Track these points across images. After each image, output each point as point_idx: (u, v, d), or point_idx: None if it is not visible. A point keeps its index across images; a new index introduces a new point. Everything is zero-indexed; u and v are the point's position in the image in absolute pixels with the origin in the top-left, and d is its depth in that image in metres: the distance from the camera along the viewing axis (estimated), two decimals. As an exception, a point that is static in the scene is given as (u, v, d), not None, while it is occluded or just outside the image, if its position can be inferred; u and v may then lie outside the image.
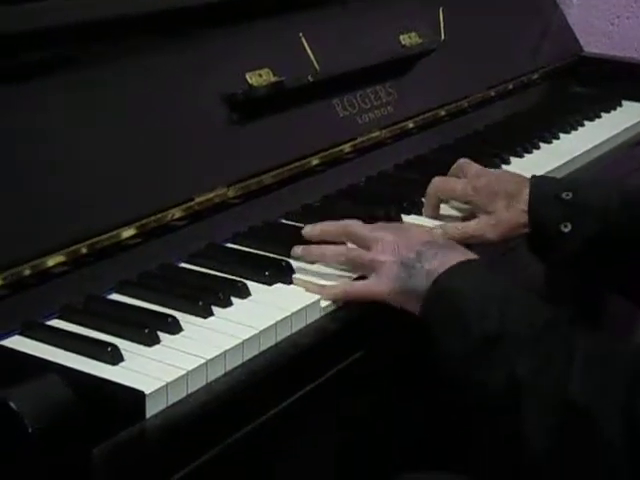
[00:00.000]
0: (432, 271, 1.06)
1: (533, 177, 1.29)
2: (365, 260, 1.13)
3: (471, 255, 1.09)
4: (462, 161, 1.36)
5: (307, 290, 1.12)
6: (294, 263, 1.17)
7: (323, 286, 1.13)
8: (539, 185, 1.26)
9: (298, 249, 1.18)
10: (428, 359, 1.05)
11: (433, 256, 1.07)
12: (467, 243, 1.20)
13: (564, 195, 1.23)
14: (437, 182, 1.33)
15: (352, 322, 1.11)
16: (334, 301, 1.12)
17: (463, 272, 1.06)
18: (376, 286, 1.11)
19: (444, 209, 1.36)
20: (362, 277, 1.14)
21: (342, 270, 1.17)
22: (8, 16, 1.11)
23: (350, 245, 1.17)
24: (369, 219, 1.23)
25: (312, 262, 1.18)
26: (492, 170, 1.39)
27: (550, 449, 0.93)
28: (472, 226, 1.27)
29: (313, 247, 1.18)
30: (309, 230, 1.20)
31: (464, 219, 1.32)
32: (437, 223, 1.31)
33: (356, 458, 1.34)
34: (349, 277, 1.15)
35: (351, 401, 1.15)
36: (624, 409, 0.90)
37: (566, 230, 1.21)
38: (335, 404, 1.11)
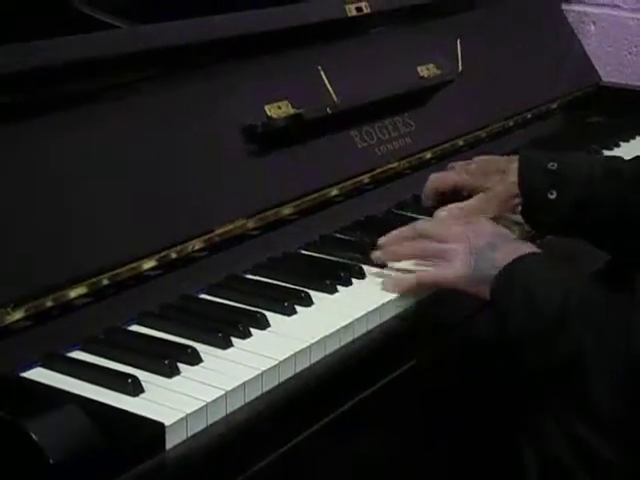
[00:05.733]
0: (502, 259, 1.14)
1: (521, 150, 1.42)
2: (440, 250, 1.20)
3: (536, 249, 1.18)
4: (451, 163, 1.48)
5: (383, 287, 1.20)
6: (312, 293, 1.18)
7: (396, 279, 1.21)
8: (527, 158, 1.39)
9: (378, 253, 1.26)
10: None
11: (503, 246, 1.16)
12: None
13: (550, 165, 1.36)
14: (433, 176, 1.44)
15: (372, 354, 1.12)
16: (409, 291, 1.19)
17: (532, 261, 1.15)
18: (449, 272, 1.18)
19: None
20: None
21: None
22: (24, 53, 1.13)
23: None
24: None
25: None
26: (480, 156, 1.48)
27: (618, 408, 1.02)
28: (472, 203, 1.38)
29: (390, 248, 1.25)
30: (384, 240, 1.27)
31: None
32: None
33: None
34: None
35: (367, 437, 1.15)
36: None
37: (552, 197, 1.34)
38: (353, 437, 1.11)
